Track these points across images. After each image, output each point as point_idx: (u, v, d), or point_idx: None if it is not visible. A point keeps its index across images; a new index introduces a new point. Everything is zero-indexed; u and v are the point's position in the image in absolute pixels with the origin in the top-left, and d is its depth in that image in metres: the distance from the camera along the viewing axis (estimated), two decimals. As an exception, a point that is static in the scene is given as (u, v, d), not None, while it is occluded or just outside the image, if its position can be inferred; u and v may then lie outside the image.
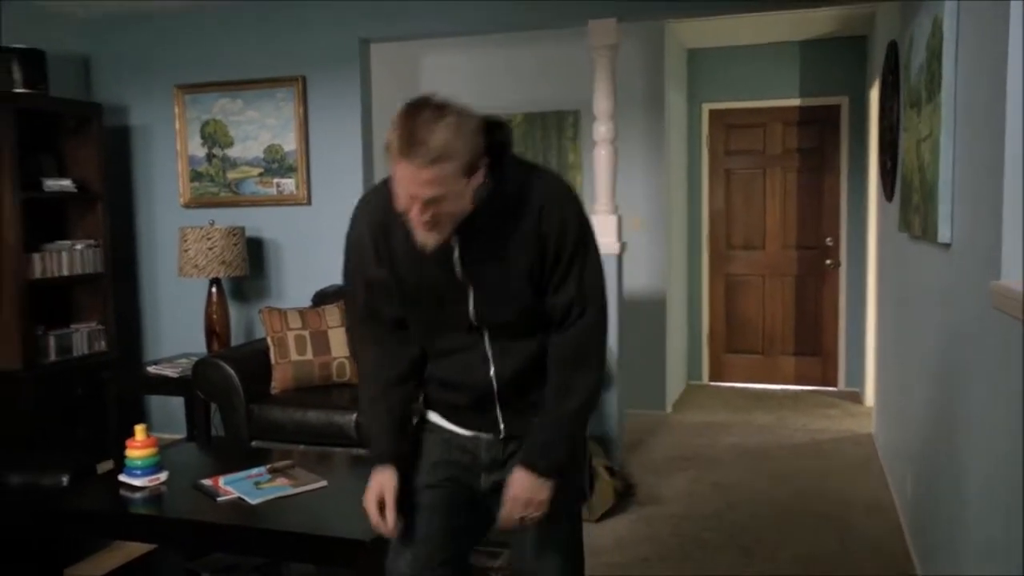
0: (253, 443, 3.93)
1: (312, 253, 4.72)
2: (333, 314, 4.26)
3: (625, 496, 3.95)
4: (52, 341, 4.30)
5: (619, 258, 4.39)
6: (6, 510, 3.06)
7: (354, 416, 3.77)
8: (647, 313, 5.63)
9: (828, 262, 6.24)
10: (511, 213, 1.70)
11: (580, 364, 1.76)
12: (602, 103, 4.29)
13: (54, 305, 4.47)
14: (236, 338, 4.70)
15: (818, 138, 6.24)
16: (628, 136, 5.42)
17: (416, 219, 1.62)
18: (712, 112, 6.40)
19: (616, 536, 3.59)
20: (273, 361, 4.11)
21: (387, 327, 1.86)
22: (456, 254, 1.73)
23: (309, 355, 4.14)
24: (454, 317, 1.79)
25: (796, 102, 6.22)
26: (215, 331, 4.49)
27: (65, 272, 4.36)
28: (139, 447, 2.93)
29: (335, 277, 4.56)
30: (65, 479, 3.12)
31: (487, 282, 1.75)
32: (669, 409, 5.77)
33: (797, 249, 6.35)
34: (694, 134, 6.42)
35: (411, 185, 1.58)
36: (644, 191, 5.63)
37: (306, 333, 4.18)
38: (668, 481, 4.29)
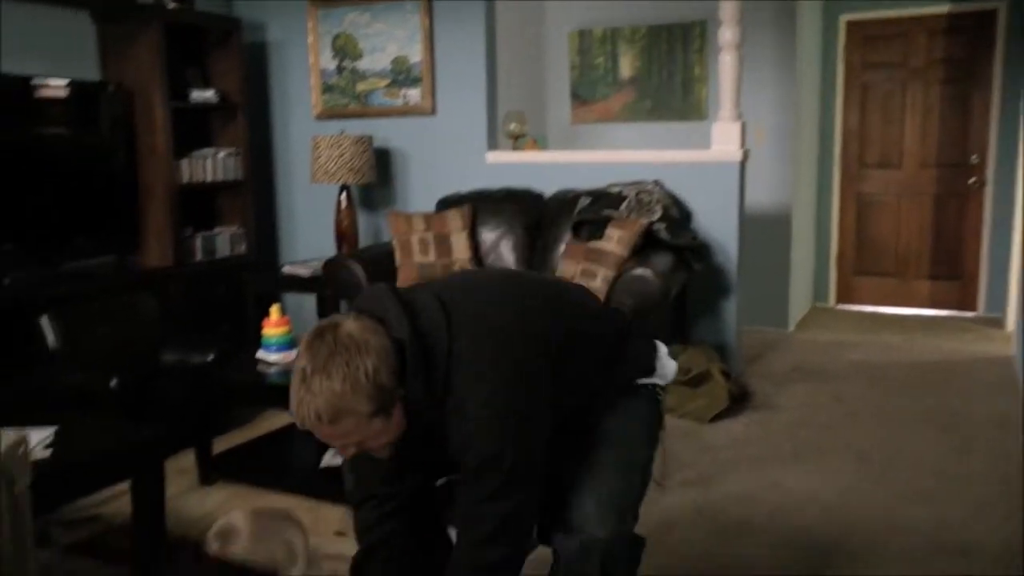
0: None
1: (437, 162, 4.85)
2: (455, 218, 4.38)
3: (740, 401, 3.95)
4: (198, 242, 4.62)
5: (741, 166, 4.31)
6: (162, 383, 3.36)
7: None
8: (770, 229, 5.50)
9: (972, 181, 5.89)
10: (430, 421, 1.60)
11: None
12: (728, 7, 4.17)
13: (200, 209, 4.78)
14: (364, 242, 4.91)
15: (967, 48, 5.84)
16: (756, 48, 5.24)
17: (345, 452, 1.60)
18: (850, 24, 6.08)
19: (730, 435, 3.61)
20: (398, 262, 4.29)
21: None
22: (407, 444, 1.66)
23: (432, 257, 4.29)
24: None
25: (944, 8, 5.83)
26: (344, 235, 4.70)
27: (209, 178, 4.65)
28: (274, 325, 3.15)
29: (458, 185, 4.68)
30: (211, 356, 3.40)
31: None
32: (792, 328, 5.67)
33: (937, 167, 6.01)
34: (829, 47, 6.13)
35: (328, 439, 1.54)
36: (771, 104, 5.45)
37: (430, 236, 4.32)
38: (786, 391, 4.24)
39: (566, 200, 4.38)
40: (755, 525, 2.78)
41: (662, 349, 1.90)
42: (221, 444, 3.41)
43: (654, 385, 1.86)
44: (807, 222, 6.05)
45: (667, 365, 1.89)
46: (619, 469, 1.74)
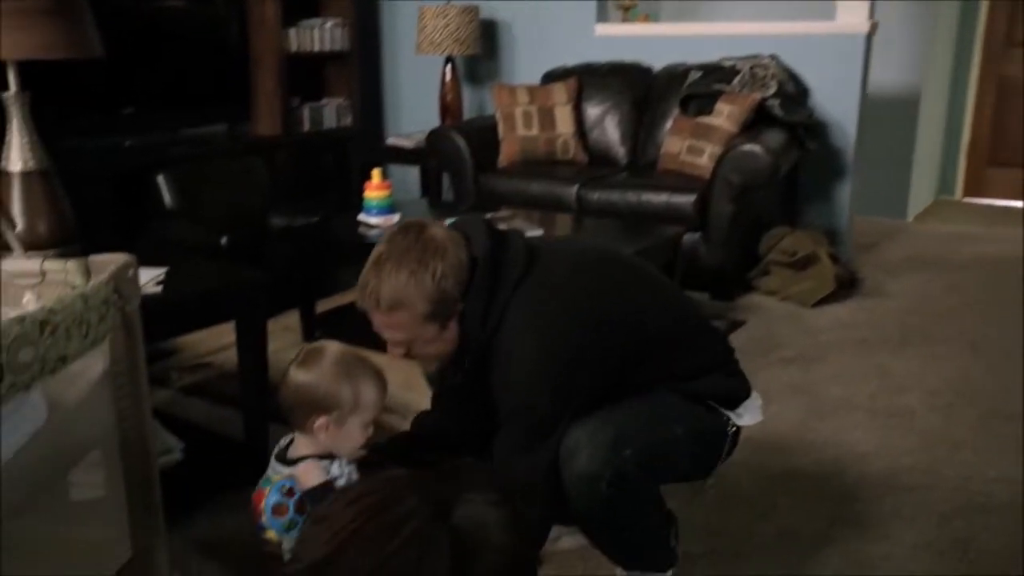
0: (480, 211, 4.15)
1: (543, 34, 4.72)
2: (560, 92, 4.29)
3: (848, 287, 3.81)
4: (306, 113, 4.68)
5: (867, 39, 4.02)
6: (270, 243, 3.47)
7: (575, 188, 3.85)
8: (894, 111, 5.15)
9: None
10: (477, 353, 1.60)
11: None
12: None
13: (307, 80, 4.82)
14: (468, 115, 4.87)
15: None
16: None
17: (395, 356, 1.61)
18: None
19: (835, 318, 3.50)
20: (501, 135, 4.25)
21: None
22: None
23: (535, 130, 4.23)
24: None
25: None
26: (448, 107, 4.68)
27: (316, 48, 4.67)
28: (375, 189, 3.19)
29: (565, 58, 4.55)
30: (316, 218, 3.48)
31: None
32: (910, 219, 5.38)
33: (1092, 47, 5.48)
34: (979, -90, 5.57)
35: (380, 329, 1.57)
36: (909, -27, 5.03)
37: (533, 109, 4.25)
38: (898, 279, 4.06)
39: (676, 74, 4.21)
40: (854, 404, 2.72)
41: (756, 398, 1.77)
42: (325, 305, 3.53)
43: (728, 418, 1.73)
44: (938, 105, 5.65)
45: (752, 410, 1.75)
46: (638, 415, 1.62)
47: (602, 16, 4.63)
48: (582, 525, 1.71)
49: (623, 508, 1.59)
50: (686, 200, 3.62)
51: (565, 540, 1.92)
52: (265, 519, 1.56)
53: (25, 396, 1.26)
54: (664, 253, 3.09)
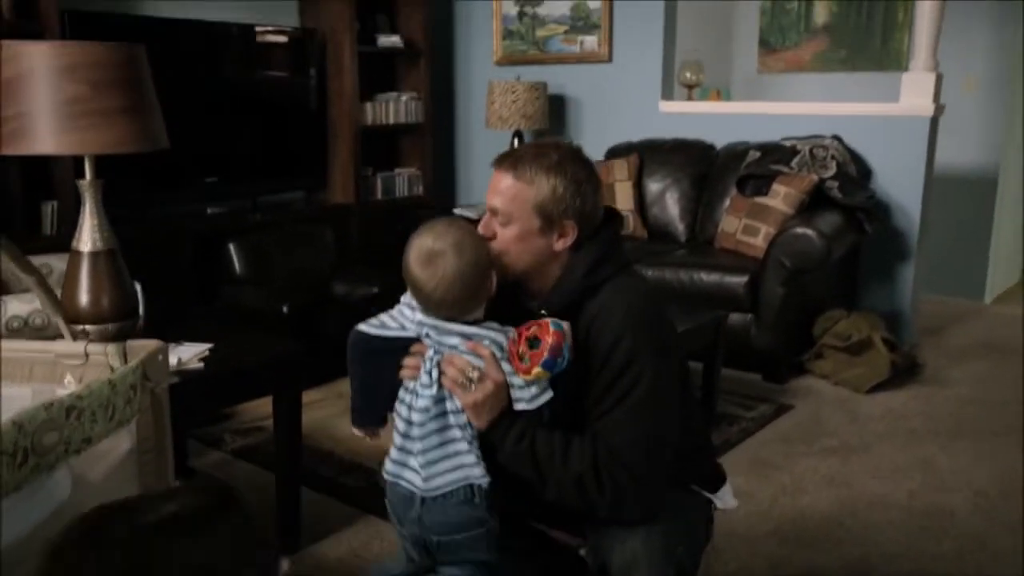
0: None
1: (609, 110, 4.83)
2: (621, 168, 4.38)
3: (906, 373, 3.72)
4: (379, 182, 4.90)
5: (932, 122, 3.98)
6: (329, 311, 3.64)
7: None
8: (970, 190, 5.05)
9: None
10: (569, 308, 1.54)
11: (584, 462, 1.50)
12: (931, -57, 3.83)
13: (381, 151, 5.05)
14: (533, 189, 4.99)
15: None
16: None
17: (481, 232, 1.57)
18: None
19: (887, 406, 3.43)
20: (561, 209, 4.35)
21: None
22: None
23: (594, 205, 4.32)
24: None
25: None
26: (514, 180, 4.81)
27: (391, 121, 4.90)
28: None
29: (629, 134, 4.65)
30: (375, 289, 3.64)
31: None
32: (987, 300, 5.21)
33: None
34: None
35: (490, 191, 1.56)
36: (986, 50, 4.96)
37: (593, 184, 4.34)
38: (961, 366, 3.95)
39: (736, 153, 4.25)
40: (891, 501, 2.66)
41: (727, 487, 1.76)
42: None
43: (709, 500, 1.71)
44: (1018, 183, 5.49)
45: (727, 494, 1.75)
46: (670, 506, 1.55)
47: (667, 93, 4.72)
48: None
49: None
50: (738, 281, 3.63)
51: None
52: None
53: (50, 474, 1.39)
54: (707, 336, 3.11)
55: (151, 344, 1.67)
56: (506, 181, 1.54)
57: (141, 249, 3.39)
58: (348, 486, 2.71)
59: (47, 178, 3.51)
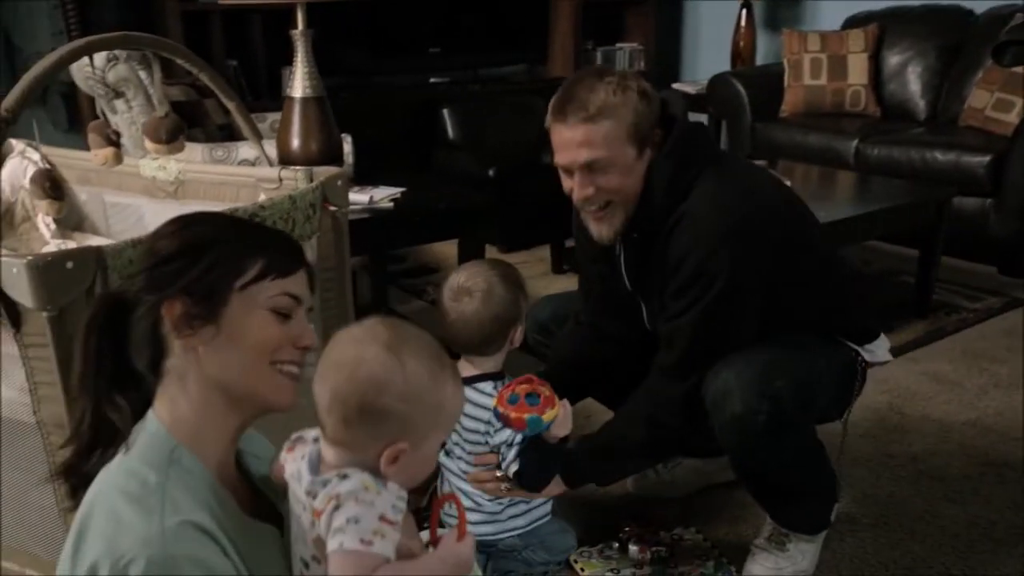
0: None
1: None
2: (857, 39, 4.01)
3: None
4: (598, 56, 4.83)
5: None
6: (534, 179, 3.70)
7: (855, 142, 3.62)
8: None
9: None
10: (657, 220, 1.51)
11: (636, 421, 1.60)
12: None
13: (604, 24, 4.95)
14: (762, 62, 4.71)
15: None
16: None
17: (580, 196, 1.49)
18: None
19: None
20: (786, 83, 4.08)
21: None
22: (623, 263, 1.63)
23: (823, 79, 4.01)
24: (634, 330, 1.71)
25: None
26: (739, 53, 4.57)
27: (615, -7, 4.78)
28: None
29: (871, 3, 4.22)
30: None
31: (656, 295, 1.60)
32: None
33: None
34: None
35: (568, 150, 1.45)
36: None
37: (824, 57, 4.02)
38: None
39: (999, 16, 3.74)
40: None
41: (884, 340, 1.71)
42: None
43: (858, 353, 1.66)
44: None
45: (880, 348, 1.69)
46: (783, 347, 1.55)
47: (923, -46, 4.21)
48: (739, 471, 1.69)
49: (780, 443, 1.51)
50: (979, 160, 3.26)
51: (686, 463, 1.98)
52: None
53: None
54: (922, 216, 2.84)
55: (332, 170, 1.81)
56: (583, 130, 1.44)
57: (364, 113, 3.64)
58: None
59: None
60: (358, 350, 0.93)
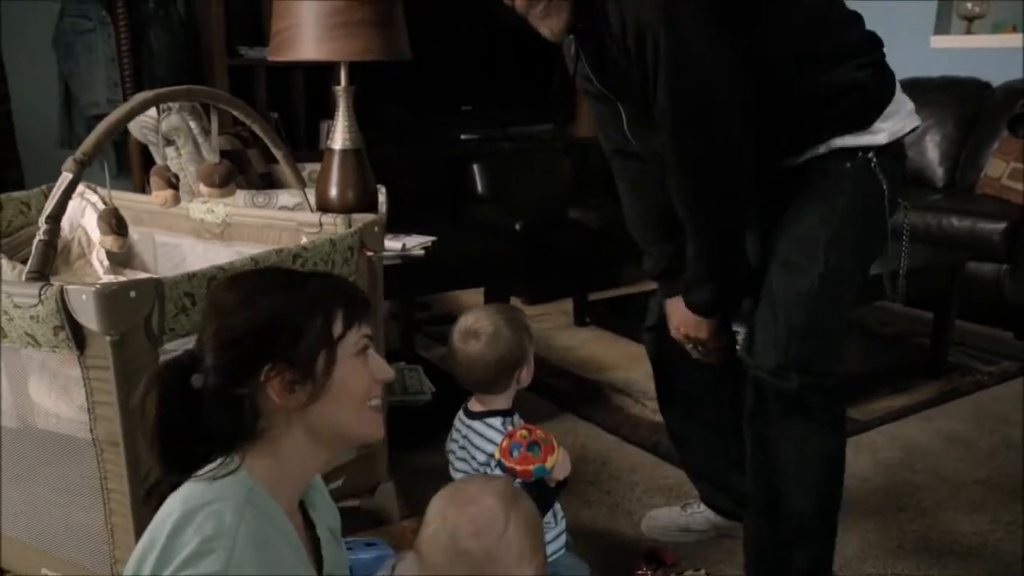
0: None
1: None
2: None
3: None
4: (626, 117, 4.97)
5: None
6: (560, 234, 3.82)
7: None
8: None
9: None
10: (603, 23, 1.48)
11: (684, 206, 1.56)
12: None
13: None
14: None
15: None
16: None
17: (522, 2, 1.53)
18: None
19: None
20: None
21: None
22: (586, 64, 1.60)
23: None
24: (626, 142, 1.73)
25: None
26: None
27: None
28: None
29: (895, 71, 4.34)
30: (603, 216, 3.76)
31: (629, 95, 1.58)
32: None
33: None
34: None
35: None
36: None
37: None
38: None
39: (1015, 90, 3.85)
40: None
41: (905, 100, 1.65)
42: (603, 295, 3.80)
43: (863, 150, 1.55)
44: None
45: (899, 115, 1.62)
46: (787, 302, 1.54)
47: (941, 27, 4.35)
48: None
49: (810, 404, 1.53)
50: (994, 228, 3.33)
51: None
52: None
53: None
54: (936, 279, 2.91)
55: (370, 217, 1.93)
56: None
57: (399, 166, 3.80)
58: (553, 387, 2.88)
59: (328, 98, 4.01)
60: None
